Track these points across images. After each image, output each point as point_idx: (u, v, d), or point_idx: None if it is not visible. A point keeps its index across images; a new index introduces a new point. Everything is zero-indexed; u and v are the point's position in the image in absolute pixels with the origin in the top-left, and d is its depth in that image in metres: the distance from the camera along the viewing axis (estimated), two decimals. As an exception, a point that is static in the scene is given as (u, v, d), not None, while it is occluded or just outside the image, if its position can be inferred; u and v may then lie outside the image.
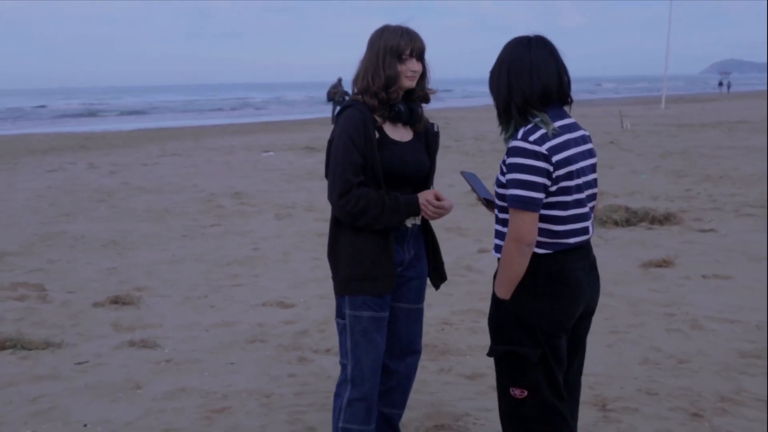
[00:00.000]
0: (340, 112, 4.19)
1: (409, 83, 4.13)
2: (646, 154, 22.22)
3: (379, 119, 4.16)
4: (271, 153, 25.71)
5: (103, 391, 5.90)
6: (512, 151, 3.46)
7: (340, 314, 4.25)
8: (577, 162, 3.52)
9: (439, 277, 4.49)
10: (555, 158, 3.43)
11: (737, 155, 21.29)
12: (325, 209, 13.50)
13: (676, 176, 17.38)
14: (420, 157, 4.26)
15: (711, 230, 11.37)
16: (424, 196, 4.13)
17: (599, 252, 9.70)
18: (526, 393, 3.60)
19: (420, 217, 4.22)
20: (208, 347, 6.89)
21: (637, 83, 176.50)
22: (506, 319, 3.58)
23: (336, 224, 4.22)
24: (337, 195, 4.03)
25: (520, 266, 3.48)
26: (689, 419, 5.20)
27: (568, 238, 3.53)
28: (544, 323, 3.52)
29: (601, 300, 7.59)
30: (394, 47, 4.06)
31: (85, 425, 5.30)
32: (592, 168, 3.66)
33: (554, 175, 3.43)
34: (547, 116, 3.49)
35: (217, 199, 15.60)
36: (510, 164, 3.46)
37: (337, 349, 6.38)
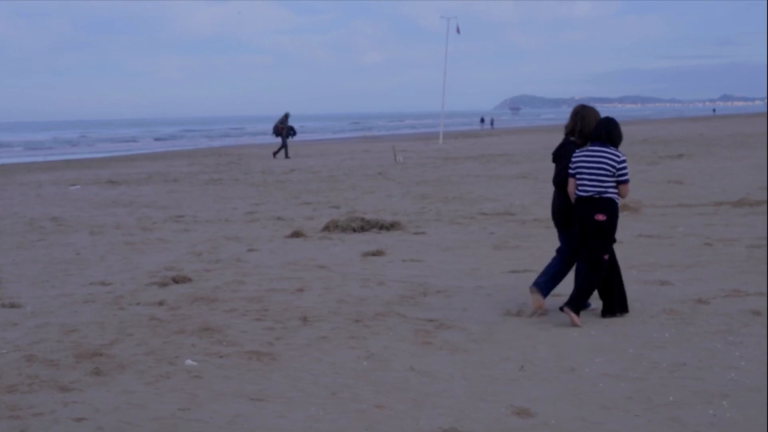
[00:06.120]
0: (566, 145, 9.45)
1: None
2: (404, 182, 26.50)
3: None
4: (78, 186, 28.56)
5: (-7, 327, 9.27)
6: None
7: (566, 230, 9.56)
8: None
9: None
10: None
11: (479, 182, 25.82)
12: (131, 227, 16.88)
13: (420, 198, 21.60)
14: None
15: (422, 233, 15.49)
16: None
17: (337, 249, 13.49)
18: (607, 257, 8.98)
19: None
20: (58, 305, 10.33)
21: (434, 119, 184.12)
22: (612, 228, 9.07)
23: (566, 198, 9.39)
24: (559, 179, 9.42)
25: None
26: (354, 323, 9.04)
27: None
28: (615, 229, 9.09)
29: (322, 273, 11.39)
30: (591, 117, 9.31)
31: (-11, 341, 8.69)
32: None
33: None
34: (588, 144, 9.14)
35: (38, 222, 18.69)
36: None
37: (143, 300, 9.95)
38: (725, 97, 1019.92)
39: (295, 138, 43.48)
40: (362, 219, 16.14)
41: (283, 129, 42.46)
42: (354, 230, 15.53)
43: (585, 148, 9.11)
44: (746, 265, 11.64)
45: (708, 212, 16.90)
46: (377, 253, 13.36)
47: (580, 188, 9.05)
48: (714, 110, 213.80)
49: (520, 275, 11.51)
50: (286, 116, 42.82)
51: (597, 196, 8.92)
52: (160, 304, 10.20)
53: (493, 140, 60.21)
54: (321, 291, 10.76)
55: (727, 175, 24.17)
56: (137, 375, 7.43)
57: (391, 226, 15.92)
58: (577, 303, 9.01)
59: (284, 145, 42.56)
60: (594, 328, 8.75)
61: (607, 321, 9.02)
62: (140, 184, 28.93)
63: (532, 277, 11.33)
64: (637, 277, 10.76)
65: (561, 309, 9.12)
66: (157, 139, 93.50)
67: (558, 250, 9.73)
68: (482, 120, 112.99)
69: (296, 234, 15.51)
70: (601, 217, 8.89)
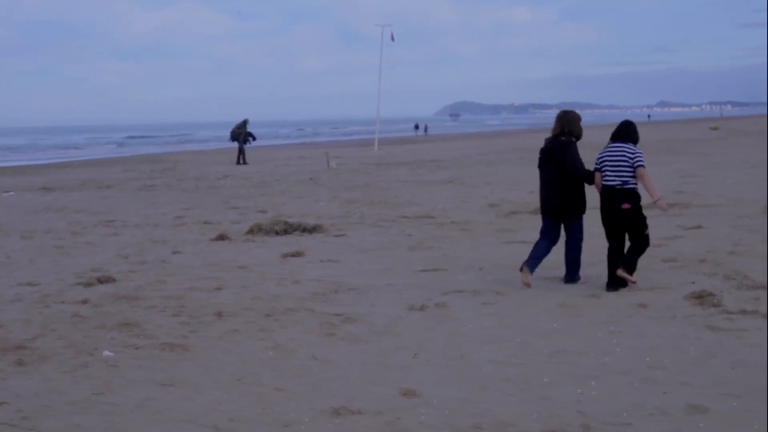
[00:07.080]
0: (568, 144, 11.12)
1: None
2: (334, 187, 27.15)
3: None
4: (12, 193, 28.80)
5: None
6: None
7: (578, 217, 11.25)
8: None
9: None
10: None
11: (406, 187, 26.54)
12: (61, 231, 17.30)
13: (347, 203, 22.27)
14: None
15: (343, 235, 16.17)
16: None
17: (259, 251, 14.05)
18: (648, 231, 10.78)
19: None
20: (-14, 305, 10.83)
21: (375, 125, 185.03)
22: (639, 211, 10.73)
23: (575, 187, 11.05)
24: (582, 173, 10.98)
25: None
26: (265, 318, 9.67)
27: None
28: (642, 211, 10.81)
29: (242, 273, 11.95)
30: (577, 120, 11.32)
31: None
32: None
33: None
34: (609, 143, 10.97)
35: (-30, 228, 19.06)
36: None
37: (68, 299, 10.46)
38: (662, 103, 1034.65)
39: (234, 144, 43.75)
40: (285, 222, 16.74)
41: (240, 134, 42.79)
42: (277, 233, 16.13)
43: (607, 146, 10.88)
44: (645, 263, 12.40)
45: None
46: (296, 254, 13.97)
47: (604, 179, 10.74)
48: (649, 116, 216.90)
49: (430, 274, 12.21)
50: (245, 122, 43.17)
51: (620, 186, 10.58)
52: (84, 302, 10.73)
53: (429, 147, 61.06)
54: (238, 289, 11.37)
55: (649, 181, 25.05)
56: (57, 365, 8.01)
57: (314, 229, 16.55)
58: (630, 264, 10.83)
59: (241, 151, 42.87)
60: (489, 321, 9.45)
61: (503, 314, 9.73)
62: (74, 190, 29.27)
63: (443, 275, 12.06)
64: (540, 274, 11.44)
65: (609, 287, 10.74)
66: (99, 145, 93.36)
67: (569, 238, 11.36)
68: (416, 126, 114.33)
69: (221, 237, 16.07)
70: (626, 205, 10.56)
